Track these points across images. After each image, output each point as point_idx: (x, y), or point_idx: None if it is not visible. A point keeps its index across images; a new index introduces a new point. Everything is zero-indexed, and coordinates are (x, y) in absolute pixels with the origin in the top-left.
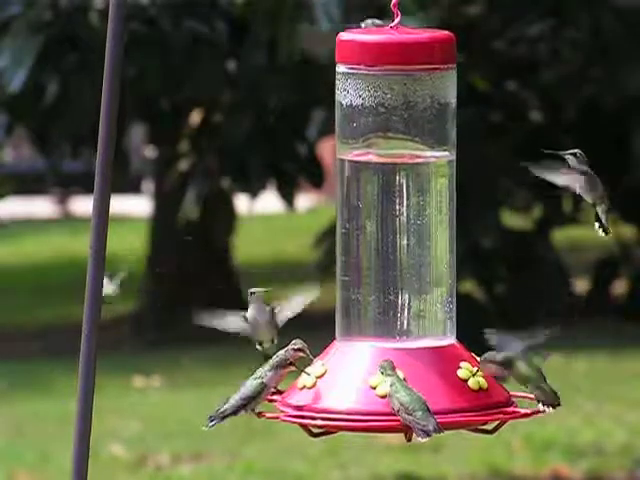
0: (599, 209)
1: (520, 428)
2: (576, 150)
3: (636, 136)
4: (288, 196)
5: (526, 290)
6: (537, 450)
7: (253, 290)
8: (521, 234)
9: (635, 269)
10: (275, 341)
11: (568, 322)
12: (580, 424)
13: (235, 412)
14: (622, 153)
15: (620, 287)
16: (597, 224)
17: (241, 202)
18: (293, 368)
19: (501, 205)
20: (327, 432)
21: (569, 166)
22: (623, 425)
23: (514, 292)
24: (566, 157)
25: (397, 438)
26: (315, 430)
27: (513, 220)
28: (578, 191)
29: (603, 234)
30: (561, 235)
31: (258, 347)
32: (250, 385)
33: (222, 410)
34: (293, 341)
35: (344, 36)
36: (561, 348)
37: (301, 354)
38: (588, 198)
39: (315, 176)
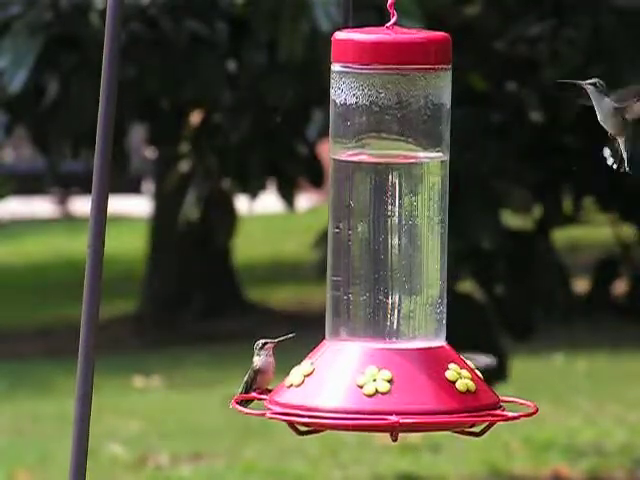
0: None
1: (520, 428)
2: (595, 80)
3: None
4: (288, 196)
5: (526, 290)
6: (537, 450)
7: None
8: (521, 234)
9: (635, 269)
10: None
11: (568, 322)
12: (580, 424)
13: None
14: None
15: (620, 287)
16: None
17: (241, 202)
18: (272, 345)
19: (501, 205)
20: (314, 430)
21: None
22: (623, 425)
23: (514, 292)
24: (585, 87)
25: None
26: (302, 428)
27: (513, 220)
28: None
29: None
30: (561, 235)
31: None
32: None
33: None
34: (255, 344)
35: (340, 35)
36: (561, 348)
37: (268, 346)
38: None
39: (315, 176)
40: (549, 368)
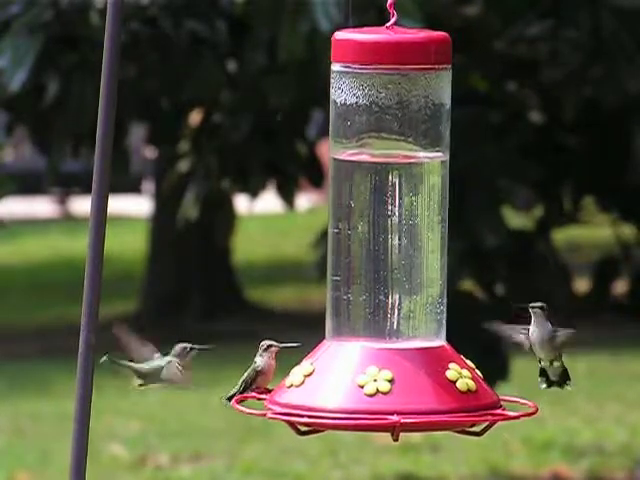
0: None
1: (520, 428)
2: (543, 304)
3: (636, 136)
4: (288, 196)
5: (526, 290)
6: (537, 450)
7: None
8: (521, 234)
9: (635, 269)
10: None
11: (568, 322)
12: (580, 424)
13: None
14: (622, 153)
15: (620, 287)
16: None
17: (241, 202)
18: (277, 349)
19: (502, 204)
20: (315, 430)
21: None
22: (623, 425)
23: (514, 292)
24: (532, 310)
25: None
26: (303, 428)
27: (513, 220)
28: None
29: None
30: (561, 235)
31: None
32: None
33: (229, 395)
34: (261, 344)
35: (340, 35)
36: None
37: (273, 349)
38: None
39: (315, 176)
40: None
